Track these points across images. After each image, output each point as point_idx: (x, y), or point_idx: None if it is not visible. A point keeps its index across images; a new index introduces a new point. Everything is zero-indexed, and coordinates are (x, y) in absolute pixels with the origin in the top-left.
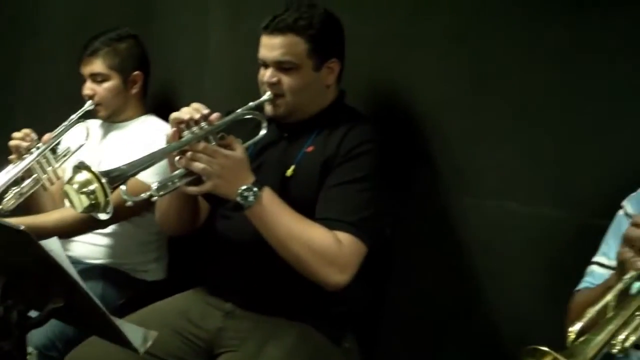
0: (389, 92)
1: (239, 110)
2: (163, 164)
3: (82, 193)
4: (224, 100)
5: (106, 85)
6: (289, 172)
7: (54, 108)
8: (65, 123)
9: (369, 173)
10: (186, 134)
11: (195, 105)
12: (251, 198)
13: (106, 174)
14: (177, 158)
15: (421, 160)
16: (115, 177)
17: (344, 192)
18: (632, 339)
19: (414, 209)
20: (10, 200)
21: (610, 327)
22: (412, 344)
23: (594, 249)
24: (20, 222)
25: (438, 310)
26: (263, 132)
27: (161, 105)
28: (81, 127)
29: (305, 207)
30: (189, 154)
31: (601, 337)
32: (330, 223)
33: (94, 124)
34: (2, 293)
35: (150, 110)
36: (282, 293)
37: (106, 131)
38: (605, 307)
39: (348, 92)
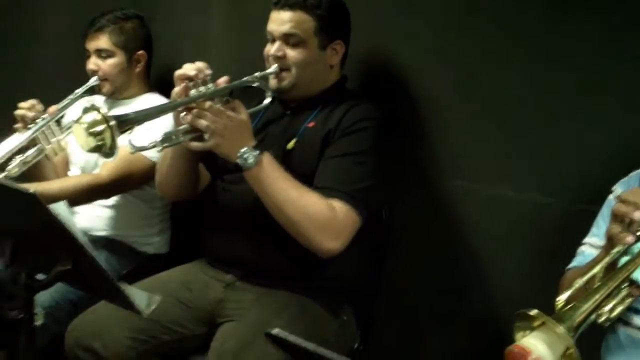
0: (385, 77)
1: (246, 77)
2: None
3: (90, 134)
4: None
5: (110, 61)
6: (290, 144)
7: (58, 85)
8: (70, 96)
9: (366, 148)
10: (193, 92)
11: (199, 63)
12: (251, 160)
13: (115, 117)
14: (183, 114)
15: (417, 143)
16: (123, 122)
17: (341, 164)
18: (619, 309)
19: (408, 190)
20: (14, 168)
21: (597, 297)
22: (406, 319)
23: (582, 234)
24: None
25: (431, 289)
26: (267, 100)
27: (164, 86)
28: (86, 101)
29: (305, 179)
30: (194, 110)
31: (588, 305)
32: (326, 191)
33: (98, 100)
34: (10, 256)
35: (153, 88)
36: (281, 266)
37: (110, 107)
38: (592, 279)
39: (348, 73)
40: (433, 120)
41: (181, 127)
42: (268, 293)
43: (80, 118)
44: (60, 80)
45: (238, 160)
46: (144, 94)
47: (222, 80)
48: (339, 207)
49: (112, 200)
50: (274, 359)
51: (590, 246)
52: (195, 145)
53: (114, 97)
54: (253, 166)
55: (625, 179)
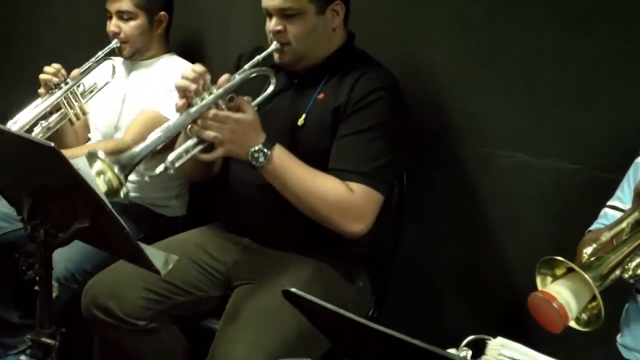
0: (405, 41)
1: (246, 68)
2: None
3: (101, 179)
4: (248, 40)
5: (132, 23)
6: (300, 121)
7: (81, 47)
8: (92, 60)
9: (381, 121)
10: (196, 101)
11: (197, 68)
12: (262, 159)
13: (117, 161)
14: (189, 127)
15: (437, 109)
16: (126, 165)
17: (356, 142)
18: None
19: (429, 157)
20: (38, 134)
21: (624, 249)
22: (422, 287)
23: (603, 201)
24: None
25: (449, 256)
26: (271, 88)
27: (187, 53)
28: (108, 64)
29: (318, 156)
30: (199, 121)
31: (614, 256)
32: (342, 174)
33: (118, 62)
34: (29, 213)
35: (172, 49)
36: (298, 231)
37: (130, 69)
38: (619, 234)
39: (364, 40)
40: (455, 87)
41: (189, 142)
42: (284, 257)
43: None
44: (81, 43)
45: (250, 160)
46: (164, 55)
47: (222, 80)
48: (357, 189)
49: None
50: (289, 323)
51: (614, 209)
52: (206, 157)
53: (134, 59)
54: (265, 164)
55: None
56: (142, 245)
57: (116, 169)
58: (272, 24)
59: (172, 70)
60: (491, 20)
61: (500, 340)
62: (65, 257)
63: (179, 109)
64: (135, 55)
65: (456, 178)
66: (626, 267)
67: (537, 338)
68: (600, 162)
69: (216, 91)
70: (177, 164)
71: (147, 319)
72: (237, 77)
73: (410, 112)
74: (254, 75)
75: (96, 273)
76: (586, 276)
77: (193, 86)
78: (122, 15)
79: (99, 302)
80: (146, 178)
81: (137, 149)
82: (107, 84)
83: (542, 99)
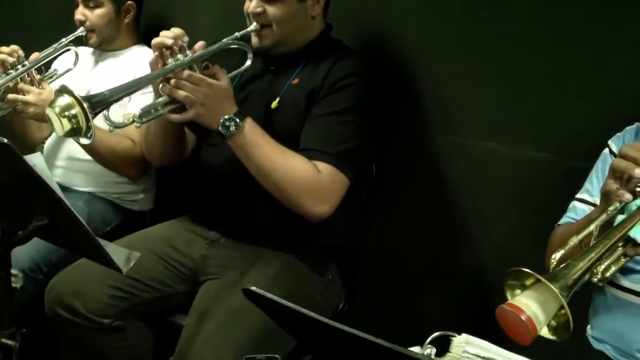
0: (377, 29)
1: (224, 40)
2: None
3: (64, 117)
4: (215, 33)
5: (98, 11)
6: (274, 104)
7: (46, 36)
8: (55, 45)
9: (353, 105)
10: (170, 62)
11: (175, 30)
12: (233, 128)
13: (87, 99)
14: (160, 85)
15: (407, 97)
16: (97, 102)
17: (327, 123)
18: (613, 269)
19: (398, 146)
20: None
21: (592, 255)
22: (393, 279)
23: (575, 190)
24: None
25: (420, 247)
26: (248, 62)
27: (152, 38)
28: (71, 52)
29: (290, 139)
30: (172, 81)
31: (582, 264)
32: (311, 153)
33: (86, 52)
34: None
35: (142, 40)
36: (266, 223)
37: (97, 59)
38: (588, 237)
39: (336, 28)
40: (424, 74)
41: (160, 99)
42: (252, 250)
43: (53, 102)
44: (50, 30)
45: (220, 128)
46: (133, 46)
47: (199, 46)
48: (324, 170)
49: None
50: (255, 317)
51: (582, 202)
52: (176, 117)
53: (102, 48)
54: (235, 134)
55: (620, 134)
56: (103, 242)
57: (85, 105)
58: (252, 5)
59: (140, 62)
60: (461, 8)
61: (464, 337)
62: (31, 248)
63: (152, 65)
64: (102, 44)
65: (426, 167)
66: (594, 271)
67: None
68: (571, 151)
69: (192, 54)
70: (144, 119)
71: (112, 317)
72: (215, 45)
73: (381, 101)
74: (232, 48)
75: (62, 264)
76: (553, 288)
77: (169, 41)
78: (89, 3)
79: (62, 301)
80: (112, 129)
81: (107, 92)
82: (68, 70)
83: (512, 87)
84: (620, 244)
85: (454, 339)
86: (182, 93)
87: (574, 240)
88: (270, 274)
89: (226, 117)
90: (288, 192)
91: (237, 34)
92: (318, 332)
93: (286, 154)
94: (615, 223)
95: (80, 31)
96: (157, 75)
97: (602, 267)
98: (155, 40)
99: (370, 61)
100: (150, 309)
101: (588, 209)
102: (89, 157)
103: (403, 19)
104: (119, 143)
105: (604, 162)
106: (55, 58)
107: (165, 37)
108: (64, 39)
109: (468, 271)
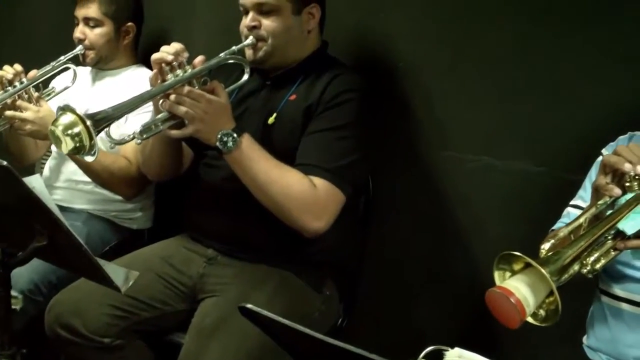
0: (371, 45)
1: (222, 55)
2: None
3: (67, 135)
4: (213, 51)
5: (98, 30)
6: (271, 119)
7: (45, 52)
8: (53, 63)
9: (350, 121)
10: (170, 77)
11: (176, 45)
12: (230, 143)
13: (91, 116)
14: (161, 101)
15: (402, 113)
16: (100, 120)
17: (324, 139)
18: (603, 261)
19: (394, 161)
20: None
21: (581, 244)
22: (391, 293)
23: (567, 202)
24: None
25: (416, 261)
26: (246, 76)
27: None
28: (70, 70)
29: (287, 155)
30: (172, 97)
31: (572, 251)
32: (308, 169)
33: (84, 71)
34: None
35: (140, 60)
36: (263, 240)
37: (95, 78)
38: (577, 230)
39: (331, 45)
40: (419, 91)
41: (160, 116)
42: (250, 268)
43: (56, 120)
44: (50, 47)
45: (217, 144)
46: (131, 66)
47: (198, 61)
48: (321, 185)
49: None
50: (253, 335)
51: (576, 207)
52: (175, 133)
53: (99, 67)
54: (232, 150)
55: (612, 143)
56: (102, 262)
57: (88, 123)
58: (248, 19)
59: (138, 82)
60: (453, 24)
61: (457, 351)
62: (30, 269)
63: (151, 81)
64: (99, 63)
65: (422, 182)
66: (584, 262)
67: (505, 343)
68: (565, 164)
69: (191, 70)
70: (144, 136)
71: (112, 336)
72: (213, 61)
73: (377, 116)
74: (229, 62)
75: (61, 285)
76: (543, 271)
77: (170, 57)
78: (89, 22)
79: (62, 321)
80: (113, 145)
81: (110, 109)
82: (65, 88)
83: (505, 102)
84: (609, 237)
85: (446, 352)
86: (182, 109)
87: (564, 231)
88: (268, 291)
89: (224, 132)
90: (284, 207)
91: (234, 47)
92: (314, 349)
93: (283, 169)
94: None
95: (79, 49)
96: (158, 91)
97: (592, 258)
98: (155, 56)
99: (366, 78)
100: (150, 328)
101: None
102: (87, 177)
103: (396, 35)
104: (115, 162)
105: (597, 170)
106: (54, 76)
107: (166, 52)
108: (62, 57)
109: (465, 285)
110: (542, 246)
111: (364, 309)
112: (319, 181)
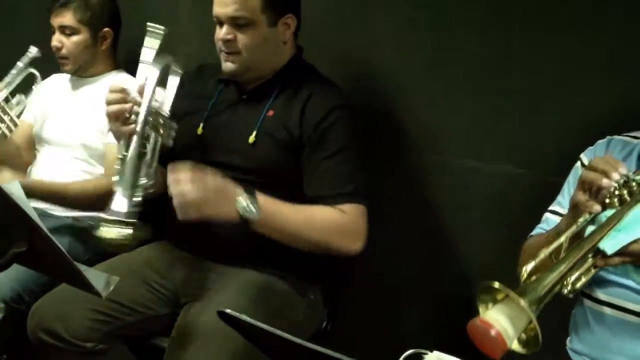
0: (352, 51)
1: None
2: None
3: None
4: (196, 59)
5: (75, 39)
6: (251, 138)
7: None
8: (13, 71)
9: (347, 142)
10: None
11: (114, 87)
12: (253, 208)
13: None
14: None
15: (386, 119)
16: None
17: (331, 166)
18: (583, 280)
19: (380, 167)
20: None
21: (562, 268)
22: (376, 298)
23: (550, 204)
24: (46, 187)
25: (403, 265)
26: (175, 78)
27: (133, 64)
28: (53, 78)
29: (270, 171)
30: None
31: (552, 277)
32: (330, 200)
33: (64, 78)
34: None
35: (119, 67)
36: (246, 245)
37: (75, 85)
38: (558, 249)
39: (310, 52)
40: (403, 96)
41: (141, 183)
42: (233, 272)
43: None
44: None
45: (243, 215)
46: (111, 72)
47: (143, 89)
48: (348, 210)
49: (77, 179)
50: (237, 339)
51: (554, 213)
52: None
53: (78, 74)
54: (259, 212)
55: (591, 148)
56: (82, 268)
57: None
58: (222, 32)
59: None
60: (435, 28)
61: (436, 354)
62: (11, 277)
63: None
64: (78, 71)
65: (408, 186)
66: (565, 282)
67: None
68: (546, 166)
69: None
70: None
71: (95, 341)
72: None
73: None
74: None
75: (43, 292)
76: (522, 303)
77: (127, 106)
78: (65, 30)
79: (45, 326)
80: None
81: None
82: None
83: (488, 105)
84: (590, 255)
85: (425, 356)
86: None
87: (545, 253)
88: (252, 294)
89: (241, 202)
90: (325, 243)
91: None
92: (294, 354)
93: (308, 210)
94: (586, 234)
95: (35, 52)
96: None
97: (572, 278)
98: (110, 110)
99: (345, 83)
100: (133, 332)
101: (559, 220)
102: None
103: (378, 42)
104: (96, 187)
105: (575, 175)
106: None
107: (119, 102)
108: (19, 63)
109: (450, 288)
110: (524, 268)
111: (348, 313)
112: (345, 207)
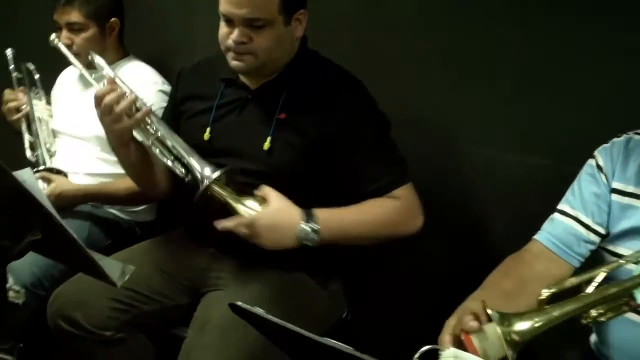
0: (367, 40)
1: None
2: None
3: None
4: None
5: (83, 35)
6: (266, 145)
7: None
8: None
9: (378, 128)
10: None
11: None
12: (313, 235)
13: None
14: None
15: (400, 108)
16: None
17: (374, 159)
18: (610, 315)
19: None
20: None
21: (591, 300)
22: (396, 288)
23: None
24: (91, 189)
25: (422, 256)
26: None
27: (138, 48)
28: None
29: (288, 175)
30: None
31: (576, 306)
32: (382, 191)
33: (74, 72)
34: None
35: (128, 54)
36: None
37: (87, 80)
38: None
39: (326, 40)
40: (419, 85)
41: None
42: (254, 263)
43: None
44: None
45: (304, 243)
46: (121, 60)
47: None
48: (399, 194)
49: (96, 169)
50: (255, 332)
51: (563, 214)
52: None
53: (89, 68)
54: (318, 237)
55: (607, 145)
56: (98, 256)
57: None
58: (235, 35)
59: (132, 76)
60: (452, 16)
61: (452, 351)
62: (31, 263)
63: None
64: (90, 64)
65: (424, 174)
66: (587, 313)
67: None
68: (568, 157)
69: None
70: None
71: (113, 329)
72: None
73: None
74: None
75: (63, 279)
76: (505, 348)
77: (119, 108)
78: (73, 27)
79: (64, 313)
80: None
81: None
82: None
83: (505, 95)
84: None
85: (442, 352)
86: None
87: (571, 281)
88: (273, 285)
89: (299, 232)
90: (388, 233)
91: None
92: (306, 347)
93: (363, 209)
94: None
95: (9, 52)
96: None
97: (595, 313)
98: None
99: (360, 72)
100: (151, 321)
101: (567, 222)
102: (91, 170)
103: (394, 29)
104: (118, 187)
105: (587, 172)
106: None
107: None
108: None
109: (469, 280)
110: (544, 290)
111: (369, 304)
112: (397, 192)
